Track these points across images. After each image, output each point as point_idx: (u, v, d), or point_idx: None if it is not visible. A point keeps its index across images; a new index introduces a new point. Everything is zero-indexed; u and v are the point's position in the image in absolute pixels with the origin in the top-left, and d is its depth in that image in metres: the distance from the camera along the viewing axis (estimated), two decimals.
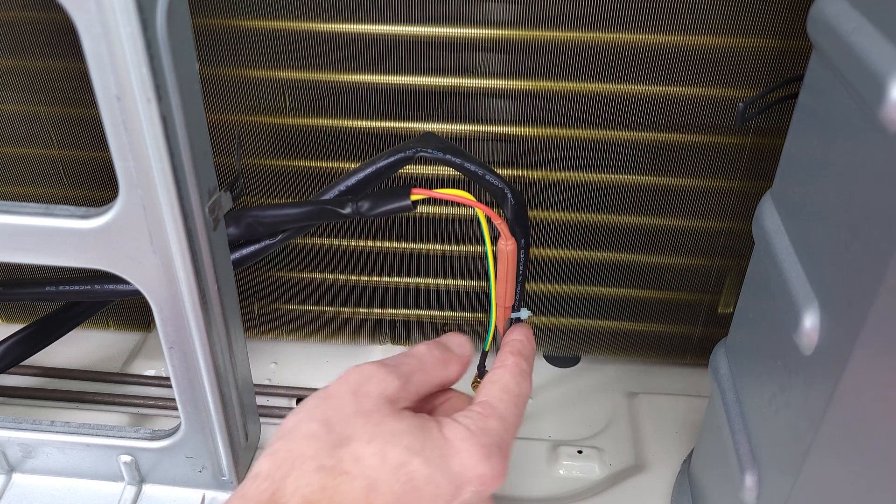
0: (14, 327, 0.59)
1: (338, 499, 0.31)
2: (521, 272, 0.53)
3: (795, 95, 0.41)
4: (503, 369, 0.42)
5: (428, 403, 0.42)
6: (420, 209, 0.64)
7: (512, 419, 0.39)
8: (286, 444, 0.33)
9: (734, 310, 0.50)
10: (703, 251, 0.65)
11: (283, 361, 0.73)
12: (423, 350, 0.41)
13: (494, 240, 0.51)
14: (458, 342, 0.44)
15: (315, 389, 0.45)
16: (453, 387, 0.43)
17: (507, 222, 0.49)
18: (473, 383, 0.65)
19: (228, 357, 0.50)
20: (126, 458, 0.56)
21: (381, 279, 0.69)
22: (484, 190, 0.50)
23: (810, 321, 0.36)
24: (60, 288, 0.54)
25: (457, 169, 0.49)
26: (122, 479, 0.58)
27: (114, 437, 0.55)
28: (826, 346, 0.35)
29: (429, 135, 0.50)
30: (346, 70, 0.59)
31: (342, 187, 0.50)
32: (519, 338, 0.45)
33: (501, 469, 0.36)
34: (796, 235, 0.40)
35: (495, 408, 0.38)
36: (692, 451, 0.61)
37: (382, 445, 0.33)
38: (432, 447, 0.34)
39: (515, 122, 0.60)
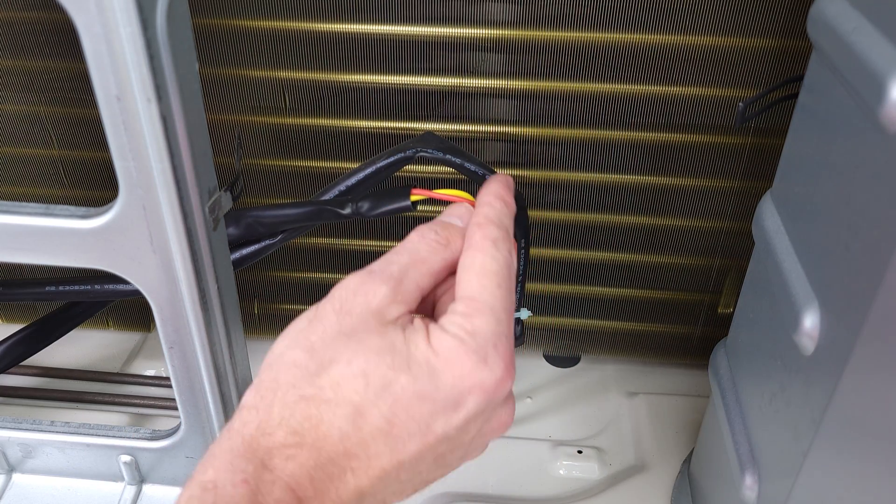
0: (14, 327, 0.59)
1: (323, 428, 0.30)
2: (521, 272, 0.53)
3: (795, 95, 0.41)
4: (473, 249, 0.36)
5: (431, 294, 0.37)
6: (420, 209, 0.64)
7: (500, 304, 0.34)
8: (270, 373, 0.32)
9: (734, 310, 0.50)
10: (703, 251, 0.65)
11: None
12: (414, 239, 0.36)
13: None
14: (458, 213, 0.39)
15: None
16: None
17: None
18: None
19: (228, 357, 0.50)
20: (126, 458, 0.56)
21: None
22: None
23: (810, 321, 0.36)
24: (60, 288, 0.54)
25: (457, 169, 0.49)
26: (122, 479, 0.58)
27: (114, 437, 0.55)
28: (826, 346, 0.35)
29: (429, 135, 0.50)
30: (346, 70, 0.59)
31: (342, 187, 0.50)
32: (487, 200, 0.39)
33: (502, 368, 0.33)
34: (796, 235, 0.40)
35: (477, 300, 0.34)
36: (692, 451, 0.61)
37: (364, 366, 0.31)
38: (419, 362, 0.31)
39: (515, 122, 0.60)
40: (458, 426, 0.32)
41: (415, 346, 0.32)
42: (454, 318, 0.33)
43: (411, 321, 0.33)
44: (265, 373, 0.32)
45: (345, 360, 0.31)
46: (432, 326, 0.33)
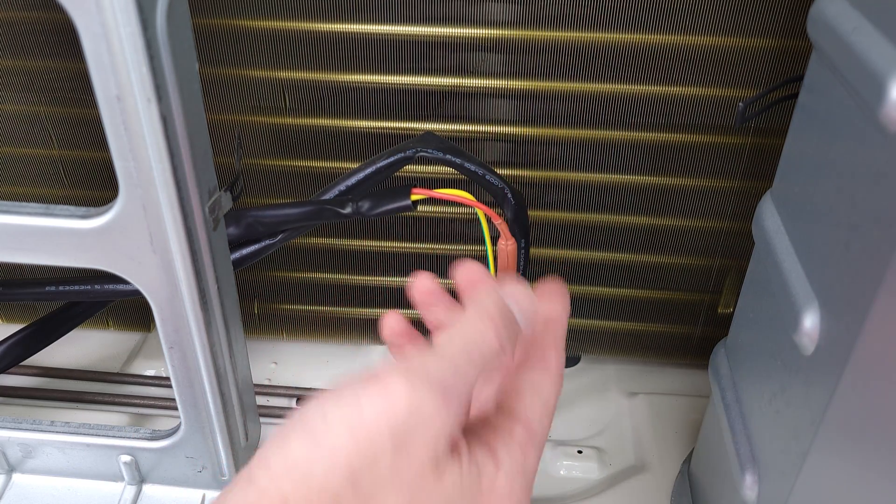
0: (14, 327, 0.59)
1: None
2: (521, 272, 0.53)
3: (795, 95, 0.41)
4: (548, 374, 0.33)
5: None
6: (420, 209, 0.64)
7: (544, 446, 0.32)
8: (300, 488, 0.26)
9: (734, 310, 0.50)
10: (703, 251, 0.65)
11: (283, 361, 0.73)
12: (492, 341, 0.30)
13: (494, 240, 0.51)
14: (519, 302, 0.32)
15: (315, 390, 0.44)
16: None
17: (507, 222, 0.49)
18: None
19: (228, 357, 0.50)
20: (126, 458, 0.56)
21: (381, 279, 0.69)
22: (484, 190, 0.50)
23: (810, 321, 0.36)
24: (60, 288, 0.54)
25: (457, 169, 0.49)
26: (122, 479, 0.58)
27: (114, 437, 0.55)
28: (826, 346, 0.35)
29: (429, 135, 0.50)
30: (346, 70, 0.59)
31: (342, 187, 0.50)
32: (562, 316, 0.35)
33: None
34: (796, 235, 0.40)
35: (537, 433, 0.31)
36: (692, 451, 0.61)
37: None
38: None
39: (515, 122, 0.60)
40: None
41: (477, 492, 0.28)
42: (511, 442, 0.30)
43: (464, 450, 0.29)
44: (289, 484, 0.26)
45: None
46: (486, 456, 0.29)
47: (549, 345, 0.34)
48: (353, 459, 0.26)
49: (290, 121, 0.61)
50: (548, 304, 0.35)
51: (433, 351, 0.29)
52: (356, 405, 0.27)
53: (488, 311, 0.30)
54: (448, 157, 0.48)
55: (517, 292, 0.32)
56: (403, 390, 0.27)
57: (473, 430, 0.30)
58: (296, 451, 0.27)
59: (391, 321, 0.36)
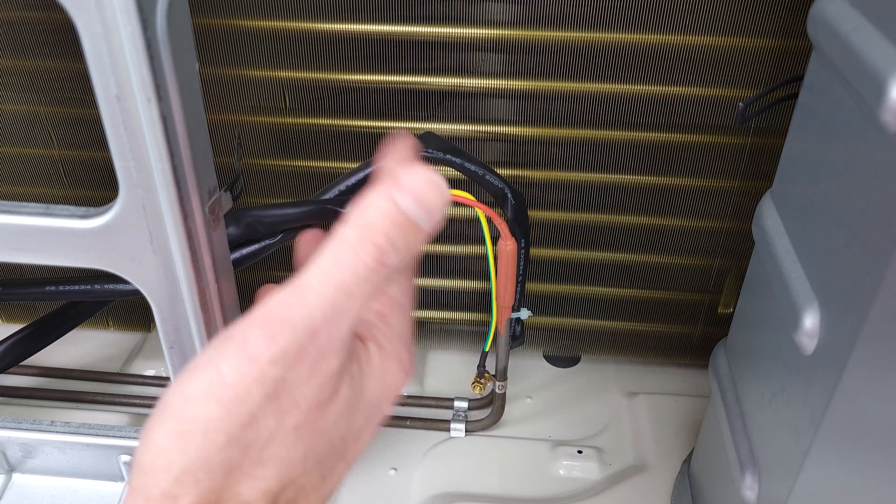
0: (14, 327, 0.59)
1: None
2: (521, 272, 0.53)
3: (795, 95, 0.41)
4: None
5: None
6: None
7: (408, 301, 0.31)
8: (203, 477, 0.25)
9: (734, 310, 0.50)
10: (703, 251, 0.65)
11: None
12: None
13: (495, 240, 0.51)
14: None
15: None
16: None
17: (507, 222, 0.49)
18: (473, 384, 0.65)
19: None
20: (126, 458, 0.56)
21: None
22: (484, 190, 0.50)
23: (810, 321, 0.36)
24: (60, 288, 0.54)
25: (457, 169, 0.49)
26: (122, 479, 0.58)
27: (114, 437, 0.55)
28: (826, 346, 0.35)
29: (429, 135, 0.50)
30: (346, 70, 0.59)
31: (342, 187, 0.50)
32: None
33: (411, 366, 0.30)
34: (796, 235, 0.40)
35: (391, 296, 0.30)
36: (692, 451, 0.61)
37: (315, 459, 0.27)
38: (359, 409, 0.28)
39: (515, 122, 0.60)
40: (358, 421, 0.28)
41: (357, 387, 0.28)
42: (370, 317, 0.29)
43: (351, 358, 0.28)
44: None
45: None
46: (354, 342, 0.28)
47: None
48: (227, 426, 0.25)
49: (290, 121, 0.61)
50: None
51: (298, 290, 0.27)
52: (216, 372, 0.25)
53: (371, 228, 0.27)
54: (448, 157, 0.48)
55: (417, 185, 0.27)
56: (262, 343, 0.25)
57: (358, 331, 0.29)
58: (161, 440, 0.26)
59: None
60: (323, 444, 0.27)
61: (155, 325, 0.49)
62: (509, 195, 0.48)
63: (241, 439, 0.25)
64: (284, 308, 0.26)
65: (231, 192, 0.47)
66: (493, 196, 0.49)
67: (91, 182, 0.66)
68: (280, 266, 0.68)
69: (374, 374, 0.28)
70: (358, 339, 0.29)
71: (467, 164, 0.48)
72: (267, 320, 0.26)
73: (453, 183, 0.62)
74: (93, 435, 0.56)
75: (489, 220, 0.48)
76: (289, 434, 0.26)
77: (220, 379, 0.25)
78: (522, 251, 0.50)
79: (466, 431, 0.66)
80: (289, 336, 0.25)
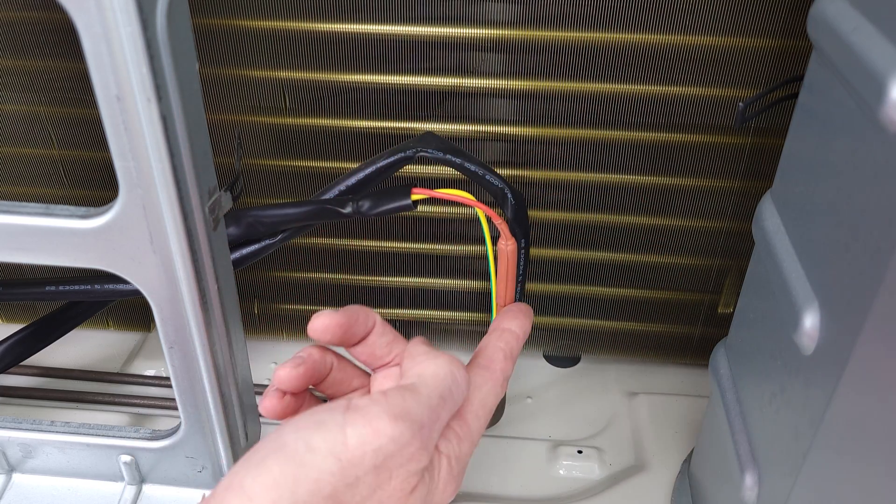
0: (14, 327, 0.59)
1: None
2: (521, 272, 0.53)
3: (795, 95, 0.41)
4: (489, 375, 0.38)
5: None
6: (420, 209, 0.64)
7: (478, 439, 0.37)
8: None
9: (734, 310, 0.50)
10: (703, 251, 0.65)
11: (283, 361, 0.73)
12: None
13: (495, 240, 0.51)
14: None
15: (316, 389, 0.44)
16: None
17: (507, 222, 0.49)
18: None
19: (228, 357, 0.50)
20: (126, 458, 0.56)
21: (381, 279, 0.69)
22: (484, 190, 0.50)
23: (810, 321, 0.36)
24: (60, 288, 0.54)
25: (457, 169, 0.49)
26: (122, 479, 0.58)
27: (114, 437, 0.55)
28: (826, 346, 0.35)
29: (429, 135, 0.50)
30: (346, 70, 0.59)
31: (342, 187, 0.50)
32: (519, 332, 0.41)
33: (457, 490, 0.36)
34: (796, 235, 0.40)
35: (471, 429, 0.36)
36: (692, 451, 0.61)
37: None
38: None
39: (515, 122, 0.60)
40: None
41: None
42: (450, 436, 0.35)
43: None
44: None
45: None
46: (434, 453, 0.34)
47: (497, 350, 0.39)
48: (336, 481, 0.29)
49: (290, 121, 0.61)
50: (507, 319, 0.42)
51: (412, 389, 0.33)
52: (341, 434, 0.30)
53: (453, 364, 0.35)
54: (448, 157, 0.48)
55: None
56: (387, 423, 0.30)
57: None
58: (277, 474, 0.29)
59: (320, 324, 0.39)
60: None
61: (155, 325, 0.49)
62: (509, 195, 0.48)
63: (340, 496, 0.29)
64: (404, 400, 0.32)
65: (231, 192, 0.47)
66: (493, 196, 0.49)
67: (91, 182, 0.66)
68: (280, 266, 0.69)
69: (440, 485, 0.34)
70: (436, 451, 0.34)
71: (467, 164, 0.48)
72: (391, 406, 0.31)
73: (453, 183, 0.62)
74: (93, 435, 0.56)
75: (489, 220, 0.48)
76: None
77: (343, 440, 0.30)
78: (522, 251, 0.50)
79: None
80: (408, 424, 0.31)
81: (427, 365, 0.35)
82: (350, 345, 0.40)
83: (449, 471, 0.34)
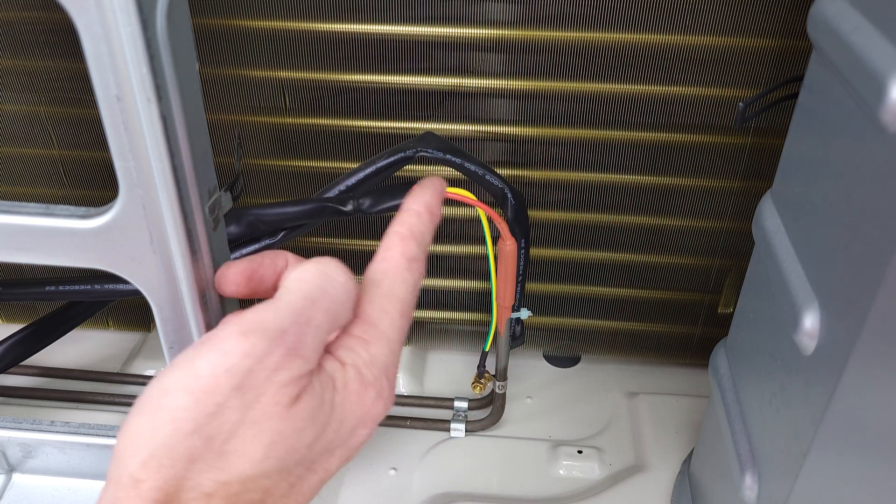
0: (14, 327, 0.59)
1: None
2: (521, 272, 0.53)
3: (795, 95, 0.41)
4: (386, 263, 0.33)
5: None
6: None
7: (398, 335, 0.32)
8: (149, 463, 0.27)
9: (734, 310, 0.50)
10: (703, 251, 0.65)
11: None
12: (339, 284, 0.31)
13: (495, 239, 0.51)
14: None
15: None
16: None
17: (507, 222, 0.49)
18: (473, 384, 0.65)
19: None
20: None
21: None
22: (484, 190, 0.50)
23: (810, 321, 0.36)
24: (60, 288, 0.54)
25: (457, 169, 0.49)
26: None
27: (114, 437, 0.55)
28: (826, 346, 0.35)
29: (429, 135, 0.50)
30: (346, 70, 0.59)
31: (342, 187, 0.50)
32: (416, 209, 0.35)
33: (391, 398, 0.31)
34: (796, 235, 0.40)
35: (377, 328, 0.31)
36: (692, 451, 0.61)
37: (279, 463, 0.28)
38: (330, 425, 0.29)
39: (515, 122, 0.60)
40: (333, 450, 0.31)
41: (321, 410, 0.29)
42: (352, 343, 0.31)
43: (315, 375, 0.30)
44: (153, 460, 0.27)
45: (258, 457, 0.28)
46: (330, 364, 0.30)
47: (392, 234, 0.34)
48: (195, 415, 0.27)
49: (290, 121, 0.61)
50: (408, 200, 0.35)
51: (270, 301, 0.30)
52: (190, 367, 0.28)
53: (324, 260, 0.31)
54: (448, 157, 0.48)
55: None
56: (235, 340, 0.28)
57: (327, 347, 0.31)
58: (134, 425, 0.27)
59: (220, 276, 0.37)
60: (286, 448, 0.29)
61: (155, 325, 0.49)
62: (509, 195, 0.48)
63: (205, 429, 0.27)
64: (257, 313, 0.29)
65: (231, 192, 0.47)
66: (493, 196, 0.49)
67: (91, 182, 0.66)
68: None
69: (349, 396, 0.30)
70: (337, 361, 0.31)
71: (467, 164, 0.48)
72: (241, 323, 0.29)
73: (453, 183, 0.62)
74: (93, 435, 0.56)
75: (489, 220, 0.48)
76: (249, 428, 0.28)
77: (193, 372, 0.28)
78: (522, 251, 0.50)
79: (466, 431, 0.66)
80: (259, 333, 0.28)
81: (291, 273, 0.31)
82: (265, 293, 0.36)
83: (359, 378, 0.30)
